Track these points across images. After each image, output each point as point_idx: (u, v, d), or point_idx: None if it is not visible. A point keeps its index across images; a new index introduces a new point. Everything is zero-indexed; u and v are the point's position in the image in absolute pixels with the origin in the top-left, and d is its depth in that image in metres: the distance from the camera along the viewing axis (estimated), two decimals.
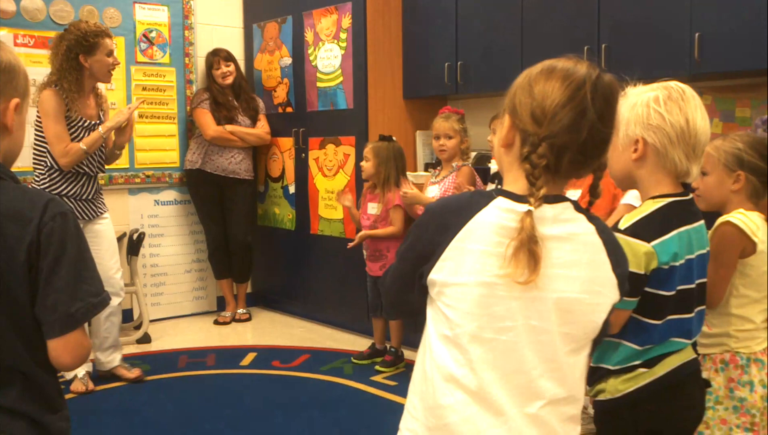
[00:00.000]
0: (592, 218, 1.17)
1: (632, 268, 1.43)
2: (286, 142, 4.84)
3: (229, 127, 4.66)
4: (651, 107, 1.48)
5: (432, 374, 1.16)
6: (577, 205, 1.16)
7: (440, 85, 4.15)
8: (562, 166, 1.12)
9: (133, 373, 3.67)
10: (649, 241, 1.45)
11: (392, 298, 1.32)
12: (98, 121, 3.53)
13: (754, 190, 1.86)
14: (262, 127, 4.82)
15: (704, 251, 1.56)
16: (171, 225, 4.91)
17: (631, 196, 2.46)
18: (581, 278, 1.13)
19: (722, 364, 1.84)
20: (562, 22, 3.55)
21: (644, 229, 1.46)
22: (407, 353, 3.89)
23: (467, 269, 1.10)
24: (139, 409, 3.31)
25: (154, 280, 4.86)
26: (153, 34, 4.75)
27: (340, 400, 3.41)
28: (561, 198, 1.15)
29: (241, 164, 4.76)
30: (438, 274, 1.13)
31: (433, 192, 3.58)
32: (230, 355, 4.12)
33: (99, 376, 3.66)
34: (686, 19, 3.13)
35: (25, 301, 1.24)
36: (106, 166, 3.67)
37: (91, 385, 3.51)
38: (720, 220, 1.86)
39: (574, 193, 2.73)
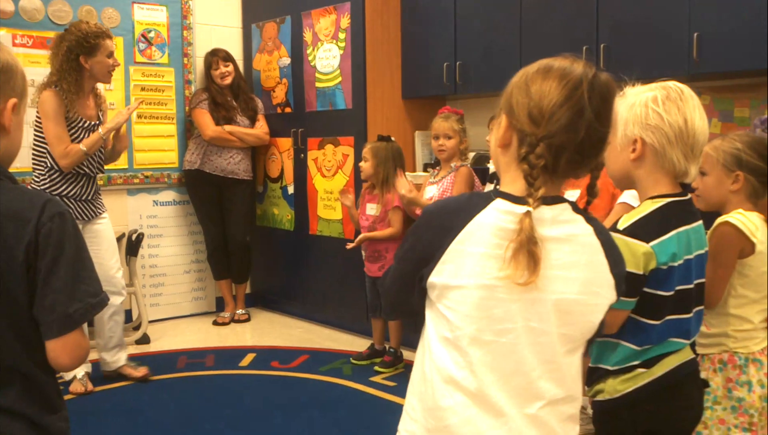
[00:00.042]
0: (589, 219, 1.17)
1: (631, 269, 1.43)
2: (285, 143, 4.84)
3: (227, 128, 4.66)
4: (649, 107, 1.48)
5: (431, 376, 1.16)
6: (575, 206, 1.16)
7: (439, 85, 4.15)
8: (560, 166, 1.12)
9: (140, 371, 3.67)
10: (647, 242, 1.45)
11: (392, 300, 1.32)
12: (97, 122, 3.53)
13: (753, 191, 1.86)
14: (261, 128, 4.81)
15: (703, 251, 1.56)
16: (170, 225, 4.91)
17: (628, 196, 2.46)
18: (580, 279, 1.13)
19: (720, 364, 1.84)
20: (561, 22, 3.55)
21: (643, 230, 1.46)
22: (406, 354, 3.89)
23: (467, 272, 1.10)
24: (138, 410, 3.31)
25: (153, 280, 4.85)
26: (152, 35, 4.75)
27: (340, 401, 3.41)
28: (559, 199, 1.14)
29: (240, 164, 4.75)
30: (438, 277, 1.13)
31: (432, 192, 3.58)
32: (229, 355, 4.12)
33: (105, 376, 3.67)
34: (685, 19, 3.13)
35: (23, 302, 1.24)
36: (105, 167, 3.67)
37: (90, 386, 3.51)
38: (719, 220, 1.86)
39: (573, 194, 2.73)
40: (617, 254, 1.20)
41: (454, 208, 1.14)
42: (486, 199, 1.12)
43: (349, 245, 3.83)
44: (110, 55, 3.44)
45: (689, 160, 1.49)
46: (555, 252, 1.11)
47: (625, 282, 1.41)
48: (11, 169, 1.35)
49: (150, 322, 4.61)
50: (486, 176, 3.65)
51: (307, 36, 4.61)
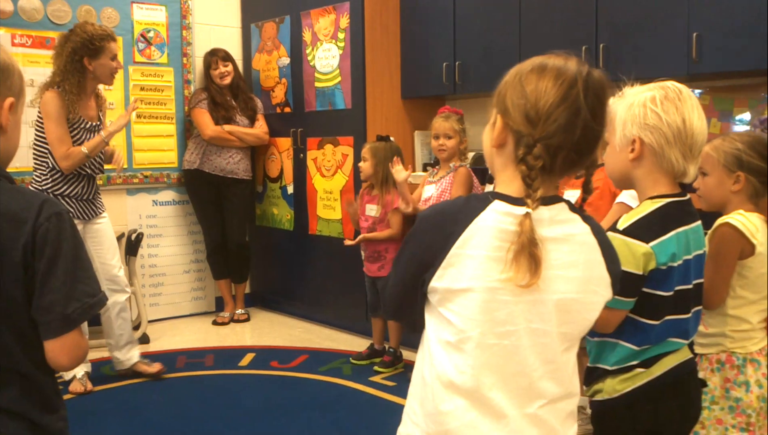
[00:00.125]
0: (585, 218, 1.17)
1: (630, 269, 1.43)
2: (285, 142, 4.84)
3: (227, 127, 4.66)
4: (648, 107, 1.48)
5: (432, 380, 1.15)
6: (571, 205, 1.16)
7: (438, 85, 4.15)
8: (557, 166, 1.12)
9: (154, 367, 3.68)
10: (647, 242, 1.45)
11: (394, 307, 1.29)
12: (98, 123, 3.54)
13: (754, 191, 1.86)
14: (261, 127, 4.81)
15: (701, 252, 1.56)
16: (169, 225, 4.91)
17: (626, 195, 2.46)
18: (578, 278, 1.14)
19: (718, 364, 1.85)
20: (560, 21, 3.55)
21: (642, 230, 1.46)
22: (406, 354, 3.89)
23: (469, 275, 1.10)
24: (137, 410, 3.31)
25: (153, 280, 4.85)
26: (151, 34, 4.75)
27: (339, 401, 3.41)
28: (557, 199, 1.14)
29: (240, 164, 4.75)
30: (439, 282, 1.12)
31: (430, 191, 3.58)
32: (229, 355, 4.12)
33: (119, 374, 3.67)
34: (684, 19, 3.13)
35: (21, 302, 1.24)
36: (105, 166, 3.67)
37: (89, 386, 3.51)
38: (719, 221, 1.85)
39: (572, 194, 2.73)
40: (613, 253, 1.20)
41: (453, 213, 1.13)
42: (484, 202, 1.12)
43: (347, 242, 3.83)
44: (114, 57, 3.45)
45: (688, 160, 1.49)
46: (554, 252, 1.11)
47: (625, 282, 1.41)
48: (9, 169, 1.34)
49: (149, 321, 4.62)
50: (485, 176, 3.65)
51: (307, 36, 4.61)
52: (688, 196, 1.54)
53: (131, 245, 4.43)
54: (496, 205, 1.11)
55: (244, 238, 4.93)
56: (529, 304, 1.11)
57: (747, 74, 3.18)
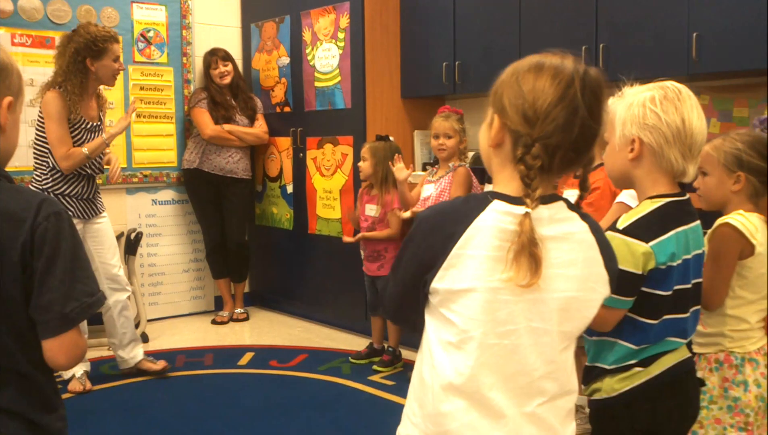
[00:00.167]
0: (584, 216, 1.17)
1: (630, 268, 1.43)
2: (284, 142, 4.84)
3: (226, 127, 4.66)
4: (647, 107, 1.48)
5: (432, 381, 1.15)
6: (569, 204, 1.16)
7: (438, 84, 4.15)
8: (554, 165, 1.12)
9: (159, 365, 3.68)
10: (647, 242, 1.45)
11: (396, 310, 1.28)
12: (99, 123, 3.55)
13: (755, 191, 1.86)
14: (260, 127, 4.81)
15: (700, 251, 1.56)
16: (168, 224, 4.91)
17: (626, 195, 2.46)
18: (578, 276, 1.14)
19: (716, 364, 1.85)
20: (560, 21, 3.55)
21: (642, 229, 1.46)
22: (405, 353, 3.89)
23: (470, 275, 1.09)
24: (136, 409, 3.31)
25: (152, 279, 4.85)
26: (151, 34, 4.75)
27: (338, 400, 3.41)
28: (555, 197, 1.15)
29: (239, 164, 4.75)
30: (441, 283, 1.12)
31: (429, 191, 3.58)
32: (228, 354, 4.12)
33: (124, 373, 3.67)
34: (684, 19, 3.13)
35: (19, 302, 1.23)
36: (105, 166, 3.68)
37: (88, 385, 3.51)
38: (719, 221, 1.85)
39: (571, 193, 2.73)
40: (610, 250, 1.20)
41: (453, 213, 1.13)
42: (483, 201, 1.11)
43: (346, 239, 3.83)
44: (116, 59, 3.45)
45: (687, 160, 1.49)
46: (554, 251, 1.11)
47: (624, 281, 1.42)
48: (9, 169, 1.34)
49: (148, 321, 4.62)
50: (485, 176, 3.65)
51: (307, 35, 4.61)
52: (687, 195, 1.54)
53: (130, 244, 4.43)
54: (496, 204, 1.11)
55: (244, 238, 4.93)
56: (529, 303, 1.11)
57: (747, 74, 3.18)
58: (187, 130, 4.88)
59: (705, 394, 1.82)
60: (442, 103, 4.10)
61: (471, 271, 1.09)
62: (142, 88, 4.72)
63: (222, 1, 5.09)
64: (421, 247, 1.15)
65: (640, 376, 1.50)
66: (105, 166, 3.60)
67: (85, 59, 3.36)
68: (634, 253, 1.44)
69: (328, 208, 4.55)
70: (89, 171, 3.50)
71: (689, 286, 1.52)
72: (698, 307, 1.58)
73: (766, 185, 1.86)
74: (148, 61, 4.74)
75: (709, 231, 1.85)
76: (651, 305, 1.48)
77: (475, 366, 1.11)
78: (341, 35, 4.36)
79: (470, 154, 3.82)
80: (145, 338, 4.37)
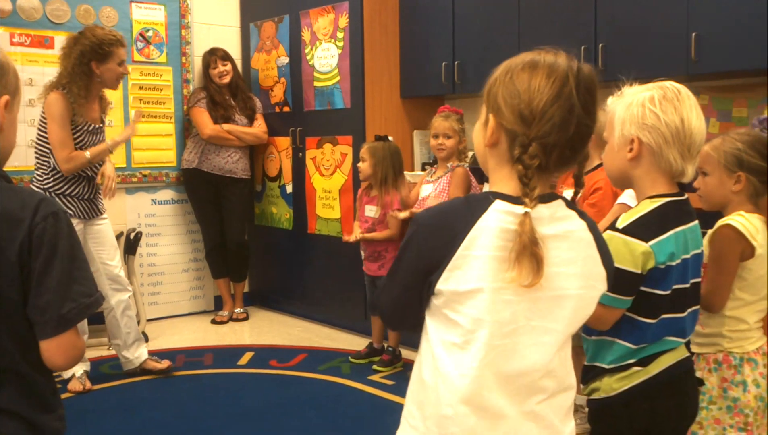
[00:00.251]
0: (581, 214, 1.17)
1: (629, 267, 1.43)
2: (283, 142, 4.84)
3: (226, 126, 4.66)
4: (646, 107, 1.48)
5: (434, 383, 1.15)
6: (567, 202, 1.16)
7: (437, 84, 4.15)
8: (551, 163, 1.12)
9: (164, 363, 3.69)
10: (646, 241, 1.45)
11: (399, 314, 1.25)
12: (101, 125, 3.56)
13: (755, 191, 1.85)
14: (259, 127, 4.81)
15: (699, 251, 1.56)
16: (168, 224, 4.91)
17: (627, 196, 2.46)
18: (578, 274, 1.14)
19: (715, 364, 1.84)
20: (559, 21, 3.55)
21: (642, 229, 1.46)
22: (405, 353, 3.89)
23: (476, 276, 1.09)
24: (136, 409, 3.31)
25: (152, 279, 4.85)
26: (150, 34, 4.74)
27: (338, 400, 3.41)
28: (554, 196, 1.15)
29: (238, 163, 4.75)
30: (446, 284, 1.11)
31: (428, 190, 3.58)
32: (227, 354, 4.12)
33: (128, 373, 3.67)
34: (683, 18, 3.13)
35: (17, 302, 1.23)
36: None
37: (88, 385, 3.51)
38: (720, 222, 1.84)
39: (570, 193, 2.73)
40: (607, 248, 1.21)
41: (454, 214, 1.12)
42: (485, 202, 1.11)
43: (346, 238, 3.83)
44: (121, 63, 3.46)
45: (686, 160, 1.49)
46: (555, 250, 1.11)
47: (623, 281, 1.42)
48: (8, 168, 1.34)
49: (148, 320, 4.62)
50: (484, 176, 3.65)
51: (306, 35, 4.61)
52: (686, 195, 1.55)
53: (130, 244, 4.43)
54: (498, 204, 1.10)
55: (243, 237, 4.93)
56: (530, 302, 1.11)
57: (746, 74, 3.19)
58: (186, 129, 4.88)
59: (704, 394, 1.82)
60: (441, 103, 4.10)
61: (476, 272, 1.09)
62: (141, 88, 4.72)
63: (221, 1, 5.09)
64: (423, 248, 1.14)
65: (639, 376, 1.50)
66: (99, 182, 3.57)
67: (90, 62, 3.36)
68: (633, 253, 1.44)
69: (327, 207, 4.55)
70: (89, 172, 3.51)
71: (688, 285, 1.52)
72: (697, 306, 1.58)
73: (767, 185, 1.86)
74: (147, 61, 4.74)
75: (710, 232, 1.85)
76: (649, 305, 1.48)
77: (479, 367, 1.11)
78: (340, 35, 4.36)
79: (470, 154, 3.83)
80: (145, 338, 4.36)
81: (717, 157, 1.86)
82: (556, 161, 1.12)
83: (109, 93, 3.64)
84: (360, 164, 3.81)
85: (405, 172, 3.88)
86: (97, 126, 3.51)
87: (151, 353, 3.81)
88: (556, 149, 1.11)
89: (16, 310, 1.24)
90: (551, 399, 1.16)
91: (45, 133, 3.40)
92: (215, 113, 4.64)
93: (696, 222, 1.55)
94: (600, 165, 2.58)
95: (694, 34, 3.09)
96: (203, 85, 4.80)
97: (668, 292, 1.48)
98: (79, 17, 4.41)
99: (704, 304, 1.80)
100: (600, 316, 1.45)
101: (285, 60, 4.78)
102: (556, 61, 1.11)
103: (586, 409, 1.63)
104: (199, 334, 4.59)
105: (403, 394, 1.24)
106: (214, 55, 4.71)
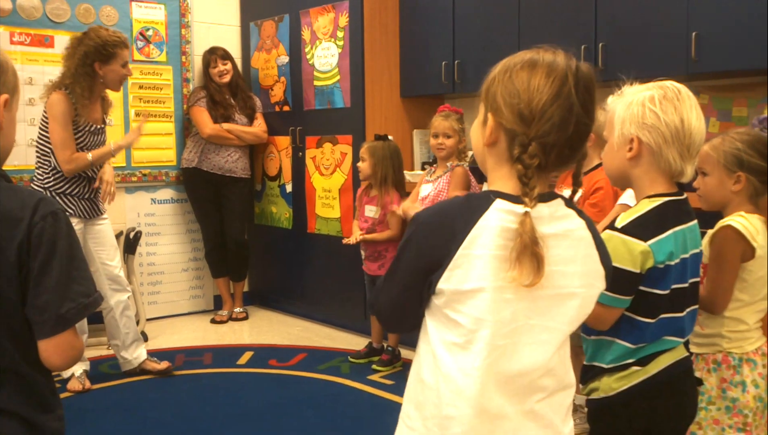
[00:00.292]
0: (579, 213, 1.17)
1: (628, 267, 1.43)
2: (283, 141, 4.83)
3: (226, 126, 4.65)
4: (646, 106, 1.48)
5: (435, 383, 1.14)
6: (566, 201, 1.16)
7: (437, 84, 4.15)
8: (550, 162, 1.12)
9: (163, 364, 3.68)
10: (645, 240, 1.45)
11: (398, 315, 1.23)
12: (102, 125, 3.56)
13: (755, 191, 1.85)
14: (259, 126, 4.81)
15: (698, 251, 1.56)
16: (168, 223, 4.91)
17: (628, 197, 2.46)
18: (578, 273, 1.14)
19: (714, 365, 1.84)
20: (559, 21, 3.55)
21: (640, 228, 1.46)
22: (404, 352, 3.89)
23: (477, 275, 1.08)
24: (135, 408, 3.31)
25: (151, 278, 4.85)
26: (150, 33, 4.74)
27: (337, 399, 3.41)
28: (554, 195, 1.14)
29: (238, 163, 4.75)
30: (447, 284, 1.10)
31: (427, 190, 3.57)
32: (227, 353, 4.12)
33: (126, 373, 3.67)
34: (683, 18, 3.13)
35: (16, 302, 1.23)
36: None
37: (88, 384, 3.51)
38: (720, 223, 1.84)
39: (569, 193, 2.73)
40: (605, 247, 1.21)
41: (454, 212, 1.12)
42: (486, 200, 1.11)
43: (346, 240, 3.83)
44: (125, 64, 3.46)
45: (685, 160, 1.49)
46: (555, 248, 1.11)
47: (622, 280, 1.42)
48: (8, 168, 1.34)
49: (148, 320, 4.62)
50: (483, 175, 3.64)
51: (306, 34, 4.61)
52: (685, 195, 1.54)
53: (130, 243, 4.43)
54: (499, 203, 1.10)
55: (243, 237, 4.93)
56: (530, 301, 1.11)
57: (746, 74, 3.18)
58: (186, 129, 4.88)
59: (703, 394, 1.82)
60: (441, 102, 4.10)
61: (477, 272, 1.08)
62: (141, 87, 4.71)
63: (221, 0, 5.08)
64: (422, 247, 1.13)
65: (638, 375, 1.50)
66: (96, 186, 3.55)
67: (94, 63, 3.37)
68: (632, 252, 1.44)
69: (327, 207, 4.55)
70: (90, 173, 3.51)
71: (686, 285, 1.52)
72: (695, 306, 1.58)
73: (767, 185, 1.85)
74: (147, 60, 4.73)
75: (710, 232, 1.85)
76: (648, 304, 1.48)
77: (482, 366, 1.10)
78: (340, 34, 4.36)
79: (470, 154, 3.82)
80: (144, 337, 4.36)
81: (716, 156, 1.85)
82: (555, 160, 1.12)
83: (109, 92, 3.64)
84: (360, 164, 3.80)
85: (405, 172, 3.88)
86: (98, 126, 3.52)
87: (151, 353, 3.81)
88: (555, 148, 1.10)
89: (15, 310, 1.24)
90: (550, 398, 1.16)
91: (46, 132, 3.40)
92: (215, 112, 4.64)
93: (695, 222, 1.55)
94: (600, 164, 2.58)
95: (694, 34, 3.09)
96: (203, 84, 4.80)
97: (667, 291, 1.48)
98: (79, 16, 4.41)
99: (706, 305, 1.80)
100: (599, 315, 1.45)
101: (285, 59, 4.78)
102: (555, 60, 1.11)
103: (585, 409, 1.62)
104: (199, 333, 4.59)
105: (402, 393, 1.24)
106: (214, 54, 4.71)
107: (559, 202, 1.15)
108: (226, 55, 4.74)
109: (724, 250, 1.80)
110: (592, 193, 2.74)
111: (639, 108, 1.49)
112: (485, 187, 1.25)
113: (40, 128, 3.44)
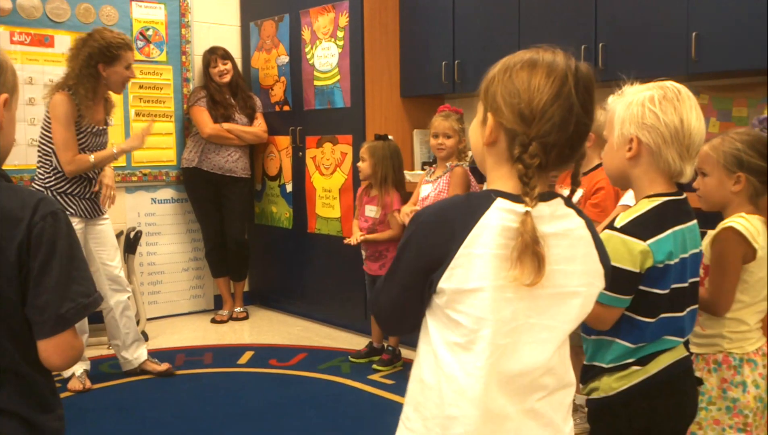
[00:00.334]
0: (579, 212, 1.18)
1: (627, 266, 1.44)
2: (283, 141, 4.84)
3: (226, 126, 4.66)
4: (646, 106, 1.48)
5: (437, 384, 1.14)
6: (566, 200, 1.16)
7: (437, 83, 4.15)
8: (550, 162, 1.12)
9: (163, 366, 3.68)
10: (644, 240, 1.45)
11: (390, 317, 1.23)
12: (105, 127, 3.56)
13: (755, 191, 1.84)
14: (260, 126, 4.81)
15: (697, 250, 1.56)
16: (168, 223, 4.91)
17: (629, 197, 2.46)
18: (578, 272, 1.14)
19: (715, 365, 1.84)
20: (559, 21, 3.55)
21: (640, 228, 1.46)
22: (404, 352, 3.89)
23: (477, 274, 1.08)
24: (136, 408, 3.31)
25: (151, 278, 4.85)
26: (150, 32, 4.74)
27: (338, 399, 3.41)
28: (553, 194, 1.15)
29: (238, 162, 4.75)
30: (448, 283, 1.10)
31: (427, 190, 3.57)
32: (227, 353, 4.12)
33: (125, 373, 3.67)
34: (684, 18, 3.13)
35: (16, 302, 1.23)
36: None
37: (88, 384, 3.51)
38: (721, 225, 1.83)
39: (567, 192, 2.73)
40: (603, 246, 1.21)
41: (455, 211, 1.11)
42: (487, 199, 1.10)
43: (347, 241, 3.83)
44: (128, 66, 3.46)
45: (684, 161, 1.49)
46: (555, 247, 1.11)
47: (622, 279, 1.42)
48: (9, 168, 1.34)
49: (148, 319, 4.62)
50: (483, 175, 3.64)
51: (306, 34, 4.61)
52: (685, 195, 1.55)
53: (130, 243, 4.43)
54: (500, 202, 1.10)
55: (243, 237, 4.93)
56: (530, 300, 1.11)
57: (746, 74, 3.18)
58: (186, 128, 4.88)
59: (704, 395, 1.81)
60: (441, 102, 4.10)
61: (478, 271, 1.08)
62: (141, 87, 4.71)
63: (221, 0, 5.08)
64: (423, 246, 1.13)
65: (638, 375, 1.50)
66: (96, 190, 3.55)
67: (98, 64, 3.37)
68: (631, 251, 1.44)
69: (327, 207, 4.55)
70: (91, 175, 3.52)
71: (686, 284, 1.52)
72: (695, 306, 1.58)
73: (767, 185, 1.85)
74: (147, 60, 4.73)
75: (710, 233, 1.85)
76: (648, 304, 1.48)
77: (484, 366, 1.10)
78: (340, 34, 4.36)
79: (470, 154, 3.82)
80: (144, 337, 4.36)
81: (716, 157, 1.85)
82: (555, 160, 1.12)
83: (110, 93, 3.65)
84: (360, 164, 3.80)
85: (405, 172, 3.88)
86: (100, 128, 3.52)
87: (151, 352, 3.81)
88: (555, 148, 1.11)
89: (15, 310, 1.24)
90: (551, 396, 1.16)
91: (49, 132, 3.40)
92: (215, 112, 4.64)
93: (694, 221, 1.55)
94: (600, 164, 2.58)
95: (694, 34, 3.09)
96: (203, 84, 4.80)
97: (667, 291, 1.48)
98: (79, 16, 4.41)
99: (708, 308, 1.80)
100: (599, 315, 1.45)
101: (285, 59, 4.78)
102: (555, 60, 1.11)
103: (586, 409, 1.62)
104: (199, 333, 4.59)
105: (402, 393, 1.24)
106: (215, 54, 4.71)
107: (558, 201, 1.15)
108: (226, 55, 4.74)
109: (726, 252, 1.79)
110: (593, 194, 2.74)
111: (638, 108, 1.49)
112: (485, 187, 1.25)
113: (43, 128, 3.45)
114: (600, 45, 3.39)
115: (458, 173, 3.47)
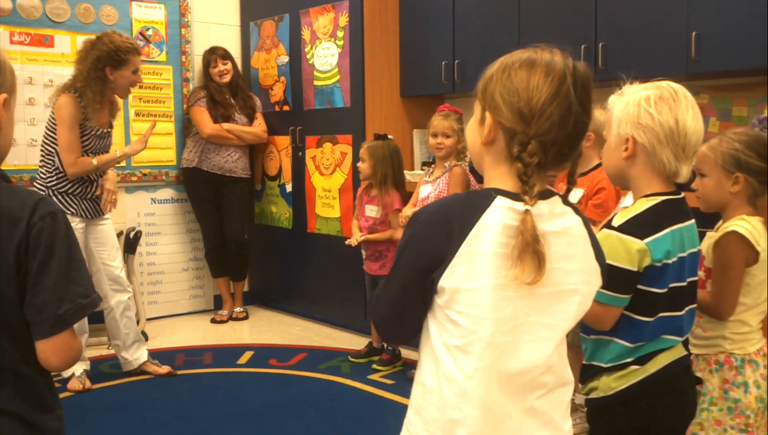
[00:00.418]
0: (576, 210, 1.18)
1: (625, 265, 1.44)
2: (283, 141, 4.84)
3: (226, 126, 4.66)
4: (642, 106, 1.48)
5: (438, 387, 1.14)
6: (563, 198, 1.17)
7: (437, 83, 4.15)
8: (549, 161, 1.12)
9: (164, 368, 3.68)
10: (642, 239, 1.45)
11: (399, 317, 1.19)
12: (109, 129, 3.57)
13: (753, 192, 1.83)
14: (259, 126, 4.81)
15: (696, 250, 1.56)
16: (168, 223, 4.91)
17: (630, 199, 2.46)
18: (576, 270, 1.15)
19: (717, 365, 1.84)
20: (559, 20, 3.55)
21: (637, 227, 1.47)
22: (405, 352, 3.89)
23: (479, 273, 1.08)
24: (136, 408, 3.31)
25: (151, 278, 4.85)
26: (150, 32, 4.74)
27: (337, 399, 3.41)
28: (551, 192, 1.15)
29: (238, 162, 4.75)
30: (449, 281, 1.09)
31: (426, 191, 3.57)
32: (227, 353, 4.12)
33: (125, 373, 3.67)
34: (683, 18, 3.13)
35: (15, 302, 1.23)
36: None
37: (88, 384, 3.50)
38: (724, 229, 1.82)
39: (575, 193, 2.74)
40: (599, 244, 1.21)
41: (456, 210, 1.11)
42: (488, 198, 1.10)
43: (348, 241, 3.83)
44: (136, 71, 3.47)
45: (680, 161, 1.49)
46: (555, 245, 1.11)
47: (620, 278, 1.42)
48: (8, 168, 1.34)
49: (148, 319, 4.62)
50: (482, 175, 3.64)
51: (306, 34, 4.61)
52: (683, 194, 1.55)
53: (130, 243, 4.43)
54: (500, 200, 1.10)
55: (243, 237, 4.93)
56: (530, 298, 1.11)
57: (746, 73, 3.18)
58: (186, 128, 4.88)
59: (705, 395, 1.81)
60: (441, 102, 4.10)
61: (479, 269, 1.08)
62: (141, 87, 4.70)
63: (221, 0, 5.08)
64: (423, 245, 1.12)
65: (637, 374, 1.50)
66: (98, 194, 3.56)
67: (105, 67, 3.37)
68: (629, 250, 1.44)
69: (327, 207, 4.55)
70: (92, 176, 3.52)
71: (684, 283, 1.52)
72: (694, 305, 1.58)
73: (766, 185, 1.84)
74: (147, 60, 4.73)
75: (710, 234, 1.85)
76: (646, 303, 1.48)
77: (485, 367, 1.10)
78: (340, 34, 4.36)
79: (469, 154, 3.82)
80: (144, 337, 4.36)
81: (714, 157, 1.83)
82: (554, 159, 1.12)
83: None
84: (360, 164, 3.80)
85: (405, 172, 3.88)
86: (105, 130, 3.53)
87: (151, 352, 3.81)
88: (554, 147, 1.11)
89: (14, 310, 1.24)
90: (550, 394, 1.16)
91: (53, 133, 3.41)
92: (215, 112, 4.64)
93: (692, 221, 1.55)
94: (600, 164, 2.58)
95: (694, 34, 3.09)
96: (203, 84, 4.80)
97: (665, 290, 1.48)
98: (79, 16, 4.41)
99: (712, 312, 1.80)
100: (598, 314, 1.45)
101: (285, 59, 4.78)
102: (553, 59, 1.11)
103: (585, 409, 1.63)
104: (199, 333, 4.59)
105: (402, 393, 1.24)
106: (214, 54, 4.71)
107: (556, 199, 1.15)
108: (226, 55, 4.74)
109: (730, 257, 1.78)
110: (594, 194, 2.74)
111: (634, 108, 1.49)
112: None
113: (47, 128, 3.45)
114: (600, 45, 3.39)
115: (457, 173, 3.47)
